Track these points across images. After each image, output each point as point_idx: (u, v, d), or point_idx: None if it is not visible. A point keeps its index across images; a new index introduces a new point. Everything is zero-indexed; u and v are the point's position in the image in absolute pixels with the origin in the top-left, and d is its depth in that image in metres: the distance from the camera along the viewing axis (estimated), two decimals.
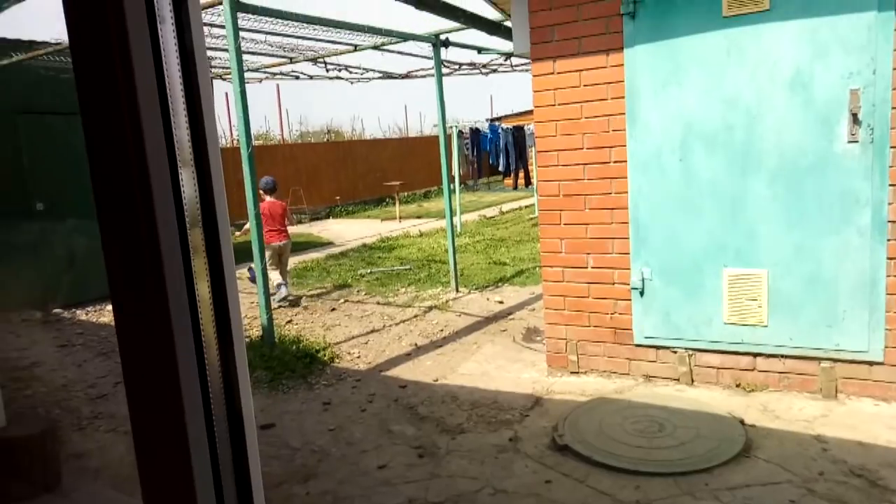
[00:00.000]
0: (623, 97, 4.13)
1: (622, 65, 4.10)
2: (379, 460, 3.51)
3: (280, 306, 7.14)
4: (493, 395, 4.30)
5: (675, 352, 4.20)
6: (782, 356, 3.92)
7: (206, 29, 7.00)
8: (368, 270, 8.91)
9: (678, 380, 4.19)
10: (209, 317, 0.64)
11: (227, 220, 0.68)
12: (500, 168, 14.20)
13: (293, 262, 9.26)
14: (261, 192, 7.41)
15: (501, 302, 6.87)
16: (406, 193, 19.31)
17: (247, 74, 9.03)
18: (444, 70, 9.35)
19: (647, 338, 4.26)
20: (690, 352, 4.16)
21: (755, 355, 3.99)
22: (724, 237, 3.97)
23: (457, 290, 7.45)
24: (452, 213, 7.95)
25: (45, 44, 7.43)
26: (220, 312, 0.65)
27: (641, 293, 4.23)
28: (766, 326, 3.92)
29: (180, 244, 0.62)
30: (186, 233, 0.63)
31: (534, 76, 4.39)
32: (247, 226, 6.51)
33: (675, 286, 4.14)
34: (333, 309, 7.03)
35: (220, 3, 5.20)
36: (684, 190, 4.03)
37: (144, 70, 0.61)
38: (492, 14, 7.22)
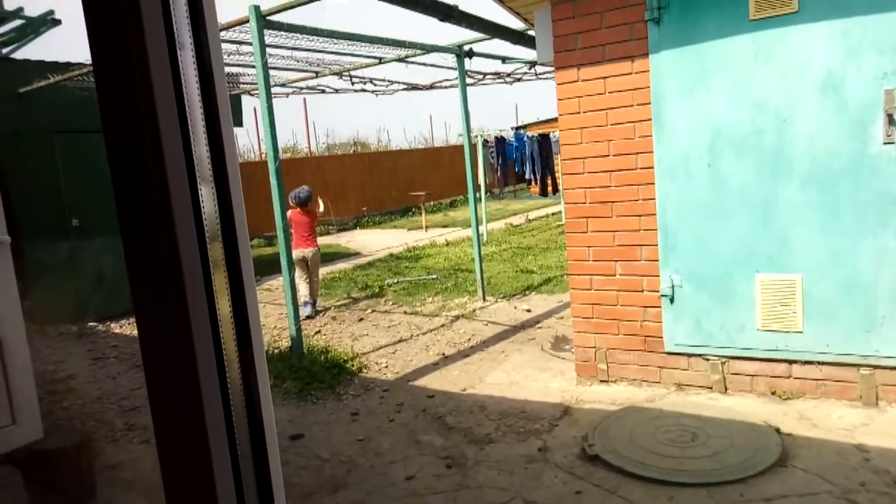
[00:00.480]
0: (649, 103, 4.09)
1: (647, 71, 4.07)
2: (407, 471, 3.50)
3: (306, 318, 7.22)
4: (522, 404, 4.26)
5: (708, 359, 4.12)
6: (819, 363, 3.81)
7: (233, 46, 7.14)
8: (395, 280, 8.94)
9: (711, 388, 4.11)
10: (230, 331, 0.65)
11: (247, 234, 0.69)
12: (527, 176, 14.16)
13: (321, 272, 9.34)
14: (292, 201, 7.56)
15: (529, 310, 6.83)
16: (432, 203, 19.38)
17: (274, 89, 9.18)
18: (469, 80, 9.38)
19: (678, 345, 4.19)
20: (723, 359, 4.07)
21: (790, 362, 3.89)
22: (756, 242, 3.89)
23: (484, 299, 7.43)
24: (478, 222, 7.95)
25: (79, 65, 7.65)
26: (240, 327, 0.66)
27: (671, 300, 4.16)
28: (801, 332, 3.82)
29: (200, 259, 0.63)
30: (206, 247, 0.64)
31: (558, 84, 4.38)
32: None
33: (706, 293, 4.06)
34: (361, 319, 7.06)
35: (248, 21, 5.31)
36: (713, 195, 3.97)
37: (164, 94, 0.62)
38: (515, 24, 7.23)
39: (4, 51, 10.14)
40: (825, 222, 3.70)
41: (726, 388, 4.07)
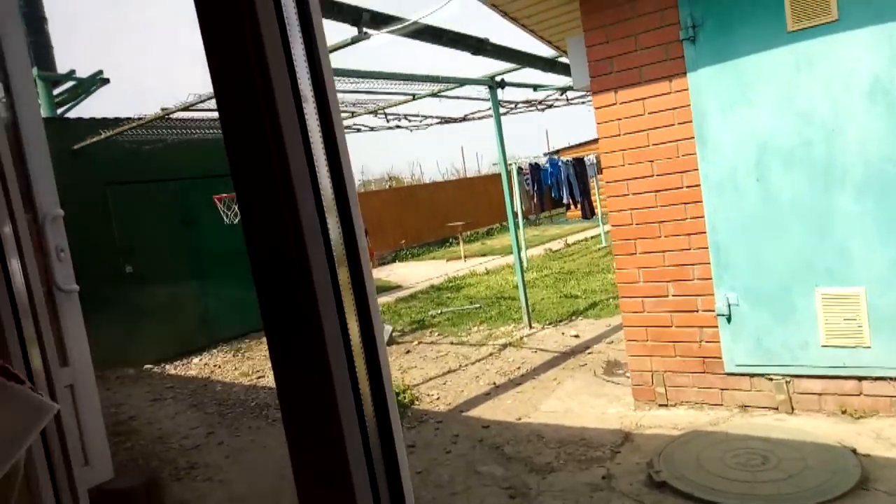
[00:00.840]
0: (690, 121, 4.07)
1: (686, 89, 4.06)
2: (470, 503, 3.46)
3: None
4: (580, 431, 4.19)
5: (771, 379, 4.00)
6: (891, 379, 3.67)
7: None
8: (439, 311, 8.96)
9: (777, 408, 3.98)
10: (360, 352, 0.68)
11: (368, 259, 0.72)
12: (564, 200, 14.18)
13: None
14: None
15: (577, 336, 6.75)
16: (469, 233, 19.46)
17: None
18: (501, 109, 9.48)
19: (738, 366, 4.08)
20: (787, 378, 3.95)
21: (860, 379, 3.75)
22: (813, 256, 3.80)
23: (530, 326, 7.38)
24: (519, 248, 7.95)
25: (127, 120, 8.02)
26: (369, 350, 0.68)
27: (728, 319, 4.08)
28: (868, 348, 3.69)
29: (331, 283, 0.67)
30: (336, 272, 0.67)
31: (596, 108, 4.40)
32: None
33: (765, 310, 3.97)
34: (408, 351, 7.08)
35: None
36: (765, 210, 3.91)
37: (294, 146, 0.67)
38: (546, 52, 7.32)
39: (59, 111, 10.69)
40: (885, 232, 3.60)
41: (793, 408, 3.94)
